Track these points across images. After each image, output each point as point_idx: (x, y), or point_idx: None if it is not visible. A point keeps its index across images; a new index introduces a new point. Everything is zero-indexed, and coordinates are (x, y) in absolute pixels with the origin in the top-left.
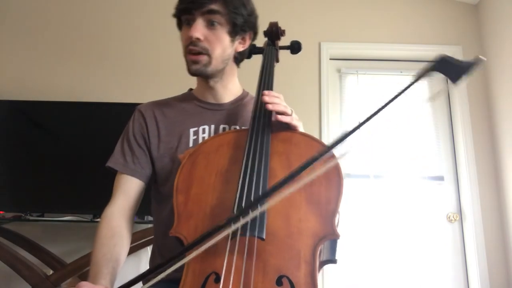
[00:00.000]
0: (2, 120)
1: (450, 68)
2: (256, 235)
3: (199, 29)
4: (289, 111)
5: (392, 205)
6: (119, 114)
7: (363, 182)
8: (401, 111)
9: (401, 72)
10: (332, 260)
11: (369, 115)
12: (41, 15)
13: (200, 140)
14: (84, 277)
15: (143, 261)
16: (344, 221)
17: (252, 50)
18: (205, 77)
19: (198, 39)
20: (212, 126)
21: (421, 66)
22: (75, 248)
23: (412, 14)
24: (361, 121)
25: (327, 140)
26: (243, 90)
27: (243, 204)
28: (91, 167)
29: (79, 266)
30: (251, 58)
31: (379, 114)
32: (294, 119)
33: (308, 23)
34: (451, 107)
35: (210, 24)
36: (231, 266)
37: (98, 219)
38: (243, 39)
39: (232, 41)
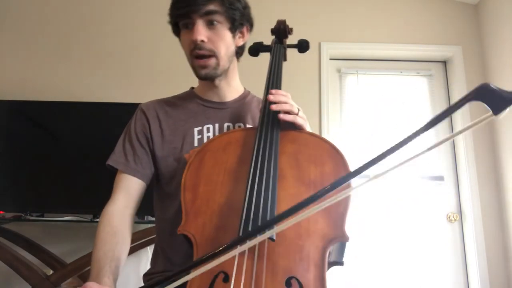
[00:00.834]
0: (2, 120)
1: (492, 97)
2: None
3: (201, 31)
4: (295, 110)
5: (392, 205)
6: (119, 114)
7: (363, 182)
8: (403, 114)
9: (401, 72)
10: (339, 262)
11: (390, 148)
12: (41, 15)
13: (205, 139)
14: (84, 277)
15: (143, 261)
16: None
17: (260, 48)
18: (213, 79)
19: (202, 41)
20: (217, 125)
21: (421, 66)
22: (75, 248)
23: (412, 14)
24: (381, 153)
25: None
26: (244, 88)
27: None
28: (91, 167)
29: (79, 266)
30: (258, 56)
31: (401, 147)
32: (298, 118)
33: (308, 23)
34: None
35: (210, 24)
36: (241, 267)
37: (98, 219)
38: (242, 32)
39: (233, 37)
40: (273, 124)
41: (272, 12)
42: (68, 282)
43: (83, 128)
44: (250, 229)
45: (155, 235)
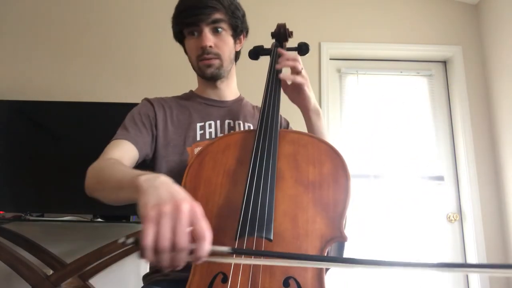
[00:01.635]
0: (2, 120)
1: None
2: (264, 236)
3: (209, 38)
4: (298, 67)
5: (392, 205)
6: (119, 114)
7: (363, 182)
8: (402, 115)
9: (401, 72)
10: None
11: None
12: (41, 15)
13: (207, 135)
14: (84, 277)
15: (143, 262)
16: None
17: (260, 52)
18: (217, 79)
19: (210, 46)
20: (218, 122)
21: (421, 66)
22: (75, 248)
23: (412, 14)
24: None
25: (328, 140)
26: (240, 94)
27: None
28: None
29: (79, 266)
30: (259, 60)
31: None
32: (297, 77)
33: (308, 23)
34: (451, 107)
35: (215, 31)
36: (239, 267)
37: (98, 219)
38: (239, 39)
39: (234, 42)
40: (272, 126)
41: (272, 12)
42: (68, 282)
43: (83, 128)
44: (247, 229)
45: None
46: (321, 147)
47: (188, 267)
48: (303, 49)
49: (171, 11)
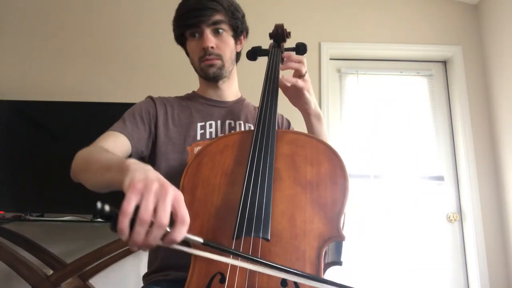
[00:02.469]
0: (2, 120)
1: None
2: (261, 236)
3: (211, 39)
4: (302, 71)
5: (392, 205)
6: (119, 114)
7: (363, 182)
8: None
9: (401, 72)
10: (338, 262)
11: None
12: (41, 15)
13: (207, 135)
14: (84, 277)
15: (143, 262)
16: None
17: (258, 52)
18: (219, 79)
19: (212, 47)
20: (219, 122)
21: (421, 66)
22: (75, 248)
23: (412, 14)
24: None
25: (328, 141)
26: (241, 95)
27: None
28: None
29: (79, 266)
30: (257, 60)
31: None
32: (299, 81)
33: (308, 23)
34: (451, 107)
35: (217, 33)
36: (236, 267)
37: (98, 219)
38: (240, 40)
39: (235, 43)
40: (270, 126)
41: (272, 12)
42: (68, 282)
43: (83, 128)
44: (244, 229)
45: None
46: (319, 147)
47: (188, 267)
48: (301, 49)
49: (171, 11)
